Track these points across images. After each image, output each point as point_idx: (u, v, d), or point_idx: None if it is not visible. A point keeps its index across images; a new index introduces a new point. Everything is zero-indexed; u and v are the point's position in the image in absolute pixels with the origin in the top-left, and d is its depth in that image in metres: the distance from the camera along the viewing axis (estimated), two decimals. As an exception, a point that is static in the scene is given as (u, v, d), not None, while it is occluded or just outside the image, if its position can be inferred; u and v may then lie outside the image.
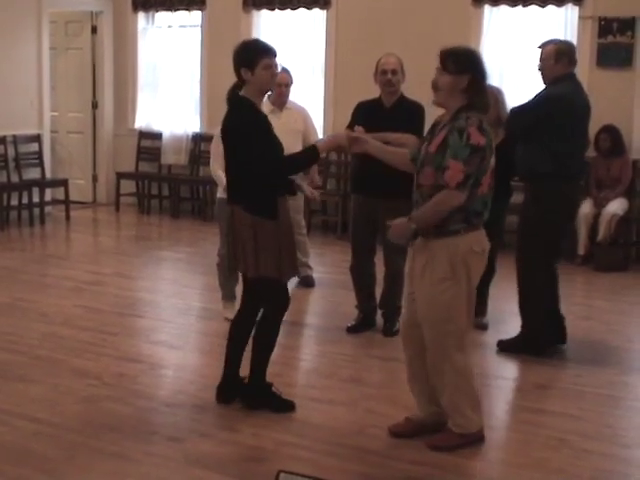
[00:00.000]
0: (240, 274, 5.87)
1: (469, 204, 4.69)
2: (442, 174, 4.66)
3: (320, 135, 10.04)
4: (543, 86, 6.70)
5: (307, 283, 8.72)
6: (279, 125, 8.04)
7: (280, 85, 8.37)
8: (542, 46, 6.76)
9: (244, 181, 5.33)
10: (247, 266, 5.36)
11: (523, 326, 6.84)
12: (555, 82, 6.60)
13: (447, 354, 4.89)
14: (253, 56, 5.29)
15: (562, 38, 10.01)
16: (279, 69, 8.57)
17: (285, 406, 5.52)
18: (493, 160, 4.76)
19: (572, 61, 6.67)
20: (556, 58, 6.58)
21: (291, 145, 8.33)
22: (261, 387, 5.55)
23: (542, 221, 6.62)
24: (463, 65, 4.75)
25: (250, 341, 5.59)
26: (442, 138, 4.71)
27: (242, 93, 5.41)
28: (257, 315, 5.57)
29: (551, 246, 6.73)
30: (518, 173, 6.95)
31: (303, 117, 8.60)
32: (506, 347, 6.78)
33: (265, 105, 7.94)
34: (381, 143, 5.48)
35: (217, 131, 7.41)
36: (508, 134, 6.79)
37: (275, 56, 5.40)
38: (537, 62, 6.72)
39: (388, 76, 6.88)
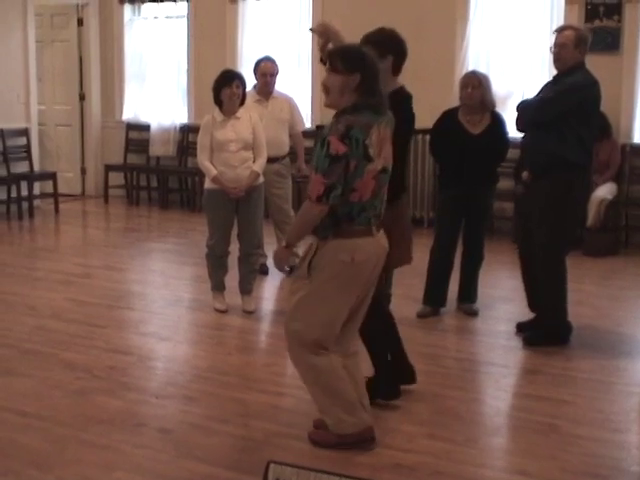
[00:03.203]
0: None
1: (340, 210, 4.47)
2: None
3: (307, 124, 10.04)
4: (540, 72, 6.56)
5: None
6: (265, 114, 8.08)
7: (266, 74, 8.36)
8: (559, 30, 6.60)
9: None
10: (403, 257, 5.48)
11: (550, 317, 6.71)
12: (575, 68, 6.44)
13: (297, 353, 4.74)
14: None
15: (549, 23, 10.07)
16: (264, 58, 8.60)
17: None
18: (377, 163, 4.48)
19: (587, 49, 6.53)
20: (576, 44, 6.41)
21: (277, 134, 8.35)
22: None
23: (571, 209, 6.57)
24: (352, 64, 4.51)
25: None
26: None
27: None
28: None
29: (572, 234, 6.73)
30: (533, 163, 6.67)
31: (289, 106, 8.59)
32: (533, 341, 6.66)
33: (251, 95, 7.96)
34: None
35: (204, 122, 7.40)
36: (522, 125, 6.66)
37: None
38: (552, 47, 6.51)
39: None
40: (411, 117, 5.42)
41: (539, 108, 6.48)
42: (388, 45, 5.25)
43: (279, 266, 4.81)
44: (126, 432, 5.02)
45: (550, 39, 6.65)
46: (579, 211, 6.85)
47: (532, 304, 6.89)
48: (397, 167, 5.00)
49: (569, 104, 6.34)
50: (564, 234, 6.60)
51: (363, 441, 4.79)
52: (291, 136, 8.58)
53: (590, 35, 6.68)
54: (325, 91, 4.60)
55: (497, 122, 7.27)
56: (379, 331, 5.46)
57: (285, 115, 8.46)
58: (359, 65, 4.49)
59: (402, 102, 5.30)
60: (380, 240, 4.68)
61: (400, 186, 5.37)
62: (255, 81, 8.46)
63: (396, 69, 5.32)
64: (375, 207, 4.59)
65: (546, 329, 6.71)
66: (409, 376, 5.62)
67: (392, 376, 5.52)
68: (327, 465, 4.43)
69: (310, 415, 5.07)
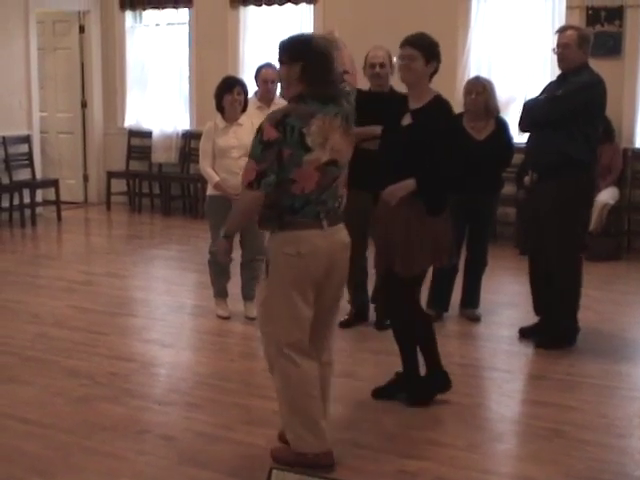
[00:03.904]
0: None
1: (283, 202, 4.41)
2: None
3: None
4: (542, 77, 6.54)
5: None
6: (267, 121, 8.04)
7: (266, 81, 8.33)
8: (560, 31, 6.61)
9: None
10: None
11: (564, 319, 6.71)
12: (580, 68, 6.45)
13: (271, 358, 4.63)
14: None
15: (550, 28, 10.05)
16: (265, 65, 8.59)
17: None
18: (321, 154, 4.39)
19: (590, 48, 6.55)
20: (579, 43, 6.42)
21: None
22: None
23: (580, 208, 6.61)
24: (294, 53, 4.47)
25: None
26: None
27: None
28: None
29: (584, 233, 6.75)
30: (539, 164, 6.64)
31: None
32: (546, 344, 6.67)
33: (252, 101, 7.95)
34: None
35: (206, 128, 7.40)
36: (528, 124, 6.67)
37: None
38: (555, 47, 6.53)
39: (376, 69, 6.87)
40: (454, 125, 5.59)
41: (547, 106, 6.46)
42: (435, 51, 5.34)
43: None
44: (129, 439, 5.02)
45: (552, 42, 6.65)
46: (586, 213, 6.85)
47: (537, 308, 6.89)
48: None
49: (578, 103, 6.34)
50: (574, 235, 6.59)
51: (320, 465, 4.54)
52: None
53: (592, 34, 6.69)
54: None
55: (502, 128, 7.26)
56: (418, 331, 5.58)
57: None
58: (300, 54, 4.45)
59: (448, 107, 5.43)
60: (334, 235, 4.57)
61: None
62: (256, 88, 8.46)
63: (432, 76, 5.38)
64: (325, 202, 4.50)
65: (565, 331, 6.71)
66: (444, 383, 5.65)
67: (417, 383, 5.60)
68: (328, 471, 4.43)
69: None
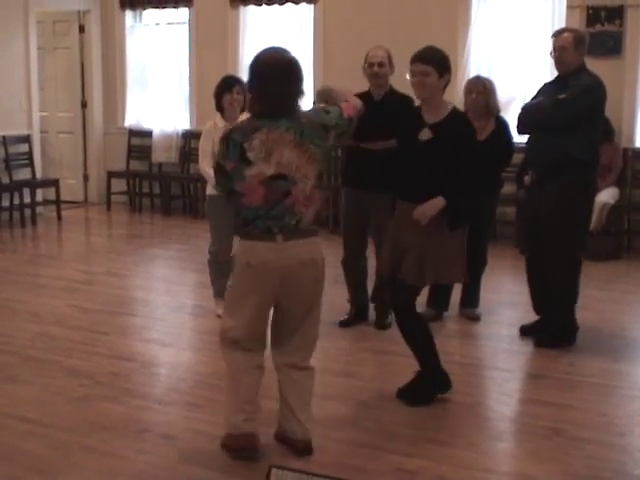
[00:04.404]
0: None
1: (242, 213, 4.55)
2: None
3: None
4: (542, 76, 6.52)
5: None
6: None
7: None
8: (556, 35, 6.62)
9: None
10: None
11: (563, 318, 6.72)
12: (579, 70, 6.47)
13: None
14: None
15: (550, 28, 10.05)
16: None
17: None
18: (264, 168, 4.40)
19: (586, 49, 6.57)
20: (575, 45, 6.44)
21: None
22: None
23: (582, 209, 6.62)
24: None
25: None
26: None
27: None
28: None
29: (585, 233, 6.77)
30: (541, 164, 6.60)
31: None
32: (546, 343, 6.68)
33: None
34: None
35: (206, 128, 7.40)
36: (529, 127, 6.68)
37: None
38: (552, 51, 6.56)
39: (375, 69, 6.86)
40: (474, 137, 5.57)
41: (551, 110, 6.45)
42: (447, 64, 5.36)
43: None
44: (129, 438, 5.02)
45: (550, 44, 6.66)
46: (588, 213, 6.86)
47: (537, 307, 6.89)
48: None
49: (583, 107, 6.35)
50: (574, 235, 6.60)
51: (238, 445, 4.68)
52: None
53: (587, 35, 6.71)
54: None
55: (502, 127, 7.24)
56: (417, 332, 5.54)
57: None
58: (250, 67, 4.59)
59: (467, 120, 5.50)
60: (289, 250, 4.51)
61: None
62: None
63: (445, 88, 5.39)
64: (279, 217, 4.49)
65: (563, 329, 6.71)
66: (444, 384, 5.65)
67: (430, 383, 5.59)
68: (328, 470, 4.43)
69: (312, 420, 5.07)
